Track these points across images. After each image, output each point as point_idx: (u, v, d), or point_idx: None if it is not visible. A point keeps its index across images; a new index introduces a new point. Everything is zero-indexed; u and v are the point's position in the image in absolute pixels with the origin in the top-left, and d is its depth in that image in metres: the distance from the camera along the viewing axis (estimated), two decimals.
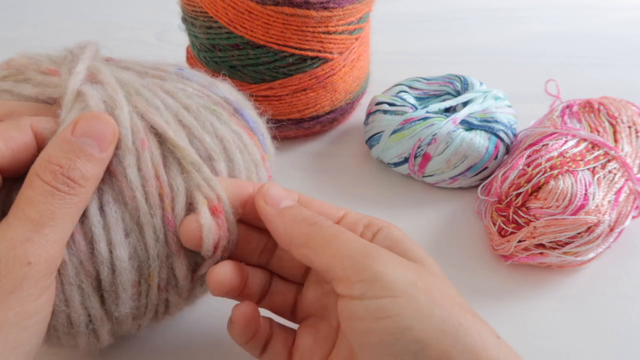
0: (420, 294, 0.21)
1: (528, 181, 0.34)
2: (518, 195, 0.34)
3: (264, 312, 0.27)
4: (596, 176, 0.34)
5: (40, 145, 0.23)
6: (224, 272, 0.24)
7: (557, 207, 0.33)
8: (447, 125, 0.38)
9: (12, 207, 0.21)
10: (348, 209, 0.27)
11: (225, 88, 0.29)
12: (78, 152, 0.22)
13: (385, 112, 0.41)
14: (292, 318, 0.27)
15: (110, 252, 0.23)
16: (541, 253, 0.33)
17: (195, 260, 0.25)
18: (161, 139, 0.24)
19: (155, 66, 0.28)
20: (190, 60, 0.46)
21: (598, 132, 0.38)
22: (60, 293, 0.22)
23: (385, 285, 0.21)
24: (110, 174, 0.23)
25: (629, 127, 0.38)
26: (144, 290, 0.24)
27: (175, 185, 0.24)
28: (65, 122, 0.23)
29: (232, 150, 0.26)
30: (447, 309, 0.21)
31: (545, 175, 0.34)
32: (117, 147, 0.23)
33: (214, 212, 0.24)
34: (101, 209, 0.23)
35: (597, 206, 0.33)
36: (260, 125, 0.30)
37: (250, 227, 0.26)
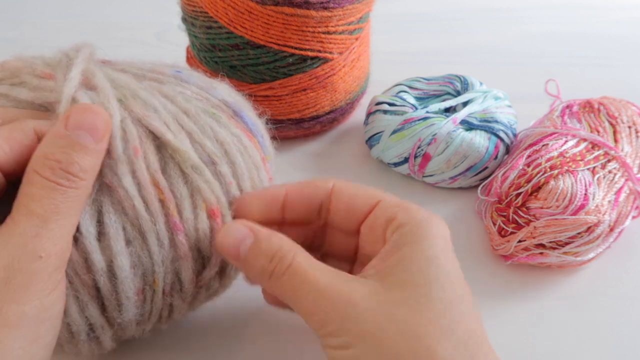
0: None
1: (528, 181, 0.34)
2: (518, 195, 0.34)
3: None
4: (596, 176, 0.34)
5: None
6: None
7: (557, 207, 0.33)
8: (447, 125, 0.39)
9: (15, 205, 0.21)
10: (385, 194, 0.26)
11: (223, 90, 0.29)
12: (74, 145, 0.21)
13: (385, 112, 0.41)
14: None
15: (111, 261, 0.23)
16: (541, 253, 0.33)
17: (202, 263, 0.25)
18: (160, 143, 0.24)
19: (152, 68, 0.28)
20: (190, 60, 0.46)
21: (598, 132, 0.38)
22: None
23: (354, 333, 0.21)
24: (107, 186, 0.23)
25: (629, 127, 0.38)
26: (148, 296, 0.24)
27: (178, 190, 0.24)
28: None
29: (233, 153, 0.26)
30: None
31: (545, 175, 0.34)
32: (110, 157, 0.23)
33: (211, 215, 0.24)
34: (98, 219, 0.23)
35: (597, 206, 0.33)
36: (260, 126, 0.30)
37: (295, 226, 0.27)
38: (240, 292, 0.33)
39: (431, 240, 0.24)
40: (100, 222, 0.23)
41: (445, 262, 0.23)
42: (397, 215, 0.25)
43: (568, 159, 0.35)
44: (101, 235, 0.23)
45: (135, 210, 0.23)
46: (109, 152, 0.23)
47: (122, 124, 0.24)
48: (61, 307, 0.22)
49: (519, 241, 0.33)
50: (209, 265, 0.25)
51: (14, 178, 0.23)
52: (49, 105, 0.25)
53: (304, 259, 0.23)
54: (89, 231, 0.23)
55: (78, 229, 0.22)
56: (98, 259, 0.23)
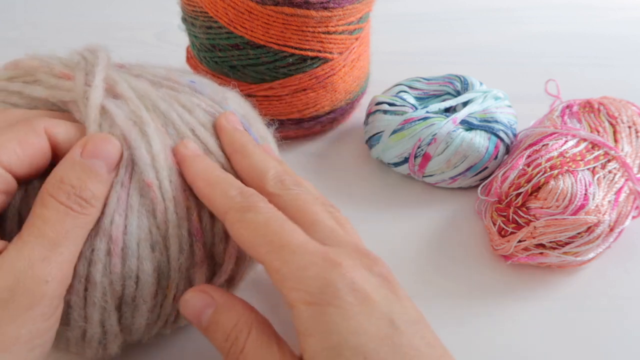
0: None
1: (528, 181, 0.34)
2: (518, 195, 0.34)
3: None
4: (596, 176, 0.34)
5: (54, 148, 0.23)
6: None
7: (557, 207, 0.33)
8: (447, 125, 0.39)
9: (26, 225, 0.21)
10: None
11: (234, 101, 0.29)
12: (89, 172, 0.22)
13: (385, 112, 0.41)
14: None
15: (138, 267, 0.23)
16: (541, 253, 0.33)
17: (213, 270, 0.26)
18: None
19: (167, 76, 0.28)
20: (191, 60, 0.46)
21: (598, 132, 0.38)
22: (82, 310, 0.23)
23: None
24: (145, 186, 0.23)
25: (629, 127, 0.38)
26: (159, 300, 0.24)
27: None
28: None
29: None
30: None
31: (545, 175, 0.34)
32: (153, 160, 0.23)
33: None
34: (138, 225, 0.23)
35: (597, 206, 0.33)
36: (267, 140, 0.30)
37: None
38: (240, 292, 0.33)
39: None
40: (138, 228, 0.23)
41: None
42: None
43: (568, 159, 0.35)
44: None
45: (167, 214, 0.23)
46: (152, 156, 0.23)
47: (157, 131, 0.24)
48: (54, 334, 0.21)
49: (519, 241, 0.33)
50: (219, 272, 0.26)
51: (26, 179, 0.23)
52: (63, 105, 0.25)
53: (256, 340, 0.22)
54: (135, 237, 0.23)
55: (127, 235, 0.22)
56: (134, 264, 0.23)
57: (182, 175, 0.24)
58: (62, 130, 0.23)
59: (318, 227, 0.24)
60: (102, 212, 0.22)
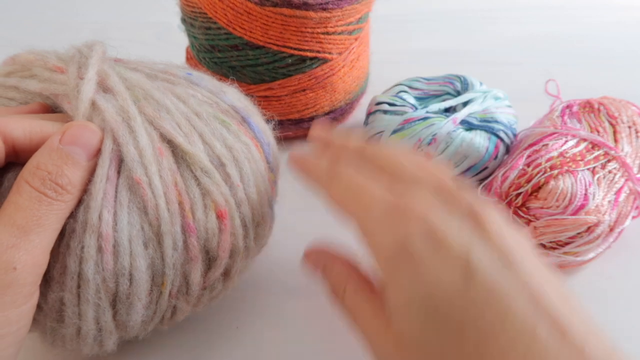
0: None
1: (528, 181, 0.34)
2: (518, 195, 0.34)
3: None
4: (596, 176, 0.34)
5: (8, 146, 0.23)
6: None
7: (557, 207, 0.33)
8: (447, 125, 0.38)
9: None
10: None
11: (233, 94, 0.29)
12: (66, 159, 0.22)
13: (385, 112, 0.41)
14: None
15: (131, 264, 0.23)
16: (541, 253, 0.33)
17: (208, 264, 0.26)
18: (172, 146, 0.25)
19: (164, 69, 0.28)
20: (190, 60, 0.46)
21: (598, 132, 0.38)
22: (76, 307, 0.22)
23: None
24: (134, 184, 0.23)
25: (629, 127, 0.38)
26: (154, 297, 0.24)
27: (191, 192, 0.24)
28: None
29: (242, 159, 0.26)
30: None
31: (545, 175, 0.34)
32: (141, 156, 0.23)
33: (219, 216, 0.25)
34: (129, 221, 0.23)
35: (597, 206, 0.33)
36: (267, 133, 0.30)
37: None
38: (240, 291, 0.33)
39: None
40: (129, 224, 0.23)
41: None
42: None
43: (568, 159, 0.35)
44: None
45: (158, 210, 0.23)
46: (139, 151, 0.23)
47: (145, 124, 0.24)
48: (27, 322, 0.21)
49: None
50: (214, 266, 0.26)
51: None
52: (55, 98, 0.25)
53: (352, 291, 0.25)
54: (126, 235, 0.23)
55: (117, 232, 0.22)
56: (127, 262, 0.23)
57: (172, 170, 0.24)
58: (19, 126, 0.23)
59: (398, 176, 0.24)
60: (89, 206, 0.22)
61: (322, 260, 0.27)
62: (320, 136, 0.30)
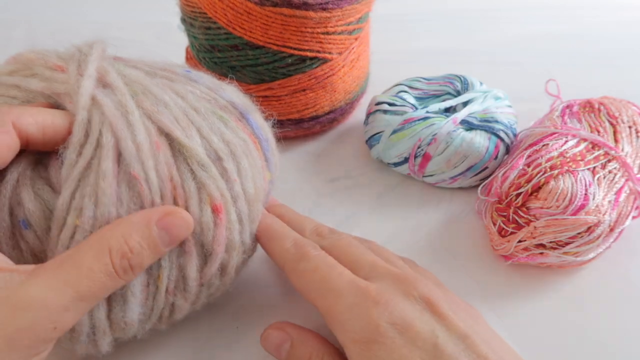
0: None
1: (528, 181, 0.34)
2: (518, 195, 0.34)
3: None
4: (596, 176, 0.34)
5: (23, 141, 0.23)
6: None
7: (557, 207, 0.33)
8: (447, 125, 0.38)
9: (63, 263, 0.21)
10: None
11: (231, 91, 0.29)
12: (152, 243, 0.22)
13: (385, 112, 0.41)
14: None
15: None
16: (541, 253, 0.33)
17: (204, 259, 0.26)
18: (169, 139, 0.25)
19: (163, 67, 0.28)
20: (190, 60, 0.46)
21: (598, 132, 0.38)
22: None
23: None
24: (132, 178, 0.23)
25: (629, 127, 0.38)
26: (151, 292, 0.25)
27: (187, 186, 0.24)
28: (80, 126, 0.23)
29: (239, 154, 0.26)
30: None
31: (546, 175, 0.34)
32: (139, 150, 0.23)
33: (215, 210, 0.25)
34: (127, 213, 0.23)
35: (597, 206, 0.33)
36: (266, 130, 0.30)
37: None
38: (240, 291, 0.33)
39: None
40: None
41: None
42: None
43: (568, 159, 0.35)
44: None
45: (153, 205, 0.23)
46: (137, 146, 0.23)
47: (142, 118, 0.24)
48: None
49: (519, 241, 0.33)
50: (210, 261, 0.26)
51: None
52: (57, 97, 0.25)
53: None
54: None
55: None
56: None
57: (168, 164, 0.24)
58: (32, 120, 0.23)
59: (359, 264, 0.26)
60: (96, 205, 0.22)
61: (290, 333, 0.27)
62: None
